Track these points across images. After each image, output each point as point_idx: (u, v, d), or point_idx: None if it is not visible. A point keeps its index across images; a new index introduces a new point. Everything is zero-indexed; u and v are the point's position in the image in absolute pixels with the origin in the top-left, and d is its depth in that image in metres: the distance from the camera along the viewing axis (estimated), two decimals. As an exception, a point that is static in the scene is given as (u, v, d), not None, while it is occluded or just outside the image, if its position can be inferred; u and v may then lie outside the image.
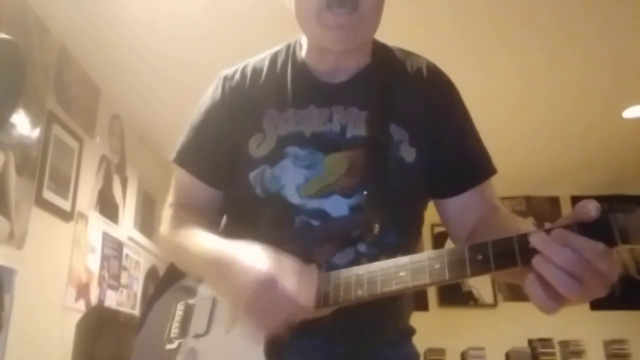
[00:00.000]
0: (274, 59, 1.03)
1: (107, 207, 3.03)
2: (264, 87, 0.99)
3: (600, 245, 0.58)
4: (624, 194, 4.67)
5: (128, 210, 3.35)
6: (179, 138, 1.05)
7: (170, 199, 1.06)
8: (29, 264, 2.16)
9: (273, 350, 0.78)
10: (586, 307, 4.45)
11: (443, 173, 0.95)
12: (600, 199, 0.58)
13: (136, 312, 3.37)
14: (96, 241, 2.86)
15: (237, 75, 1.02)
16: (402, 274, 0.70)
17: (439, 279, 0.68)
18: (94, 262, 2.81)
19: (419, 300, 4.26)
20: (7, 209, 2.06)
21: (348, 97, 0.95)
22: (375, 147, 0.91)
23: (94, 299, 2.77)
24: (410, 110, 0.94)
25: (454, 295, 4.47)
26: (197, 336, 0.89)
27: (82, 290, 2.65)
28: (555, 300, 0.61)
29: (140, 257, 3.52)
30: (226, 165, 0.98)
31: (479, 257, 0.65)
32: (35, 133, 2.28)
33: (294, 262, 0.77)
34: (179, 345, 0.91)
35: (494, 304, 4.47)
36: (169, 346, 0.93)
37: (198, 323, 0.91)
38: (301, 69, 0.99)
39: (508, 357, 4.20)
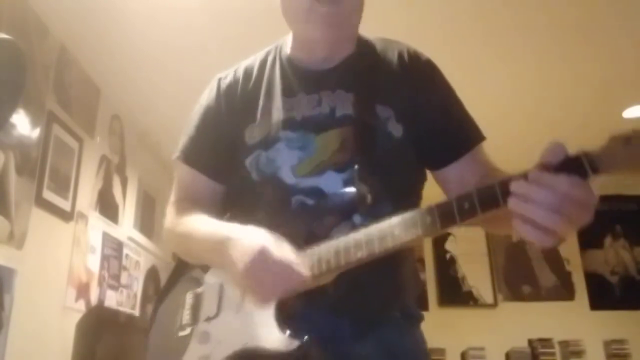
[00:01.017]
0: (264, 58, 1.11)
1: (107, 207, 3.03)
2: (255, 82, 1.07)
3: (573, 178, 0.66)
4: (624, 194, 4.67)
5: (128, 210, 3.35)
6: (181, 137, 1.10)
7: (173, 196, 1.11)
8: (29, 264, 2.16)
9: (283, 322, 0.83)
10: (586, 307, 4.46)
11: (434, 144, 0.99)
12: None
13: (136, 312, 3.37)
14: (96, 241, 2.86)
15: (230, 76, 1.10)
16: (396, 231, 0.77)
17: (432, 230, 0.75)
18: (94, 262, 2.81)
19: (419, 300, 4.26)
20: (7, 209, 2.06)
21: (334, 81, 1.01)
22: (363, 124, 0.97)
23: (94, 299, 2.77)
24: (394, 90, 1.00)
25: (454, 295, 4.48)
26: (208, 319, 0.94)
27: (82, 290, 2.65)
28: (547, 234, 0.67)
29: (140, 257, 3.52)
30: (227, 158, 1.03)
31: (466, 205, 0.72)
32: (35, 133, 2.28)
33: (287, 243, 0.84)
34: (192, 330, 0.95)
35: (494, 304, 4.47)
36: (181, 333, 0.96)
37: (208, 307, 0.95)
38: (289, 62, 1.07)
39: (508, 357, 4.20)
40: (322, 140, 0.96)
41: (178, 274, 1.08)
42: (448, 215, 0.73)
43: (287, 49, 1.08)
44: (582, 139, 0.76)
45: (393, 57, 1.05)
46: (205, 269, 1.01)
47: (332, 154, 0.94)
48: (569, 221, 0.66)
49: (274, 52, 1.10)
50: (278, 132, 0.98)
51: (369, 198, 0.88)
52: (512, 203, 0.68)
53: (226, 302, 0.93)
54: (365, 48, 1.07)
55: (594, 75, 2.95)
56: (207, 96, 1.10)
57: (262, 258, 0.81)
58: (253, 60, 1.11)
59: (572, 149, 0.69)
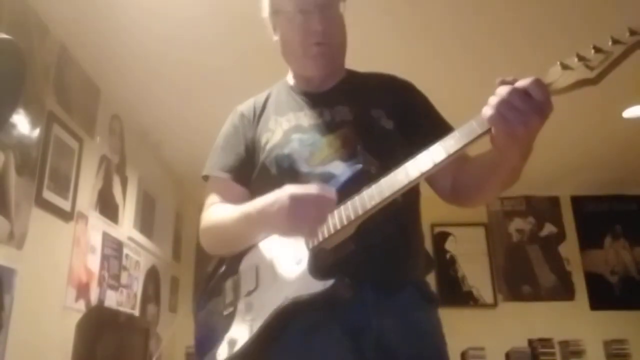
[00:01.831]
0: (269, 91, 1.33)
1: (107, 207, 3.03)
2: (265, 105, 1.30)
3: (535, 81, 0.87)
4: (625, 194, 4.67)
5: (128, 210, 3.35)
6: (211, 157, 1.30)
7: (207, 203, 1.26)
8: (29, 264, 2.16)
9: (316, 275, 0.98)
10: (586, 307, 4.46)
11: (419, 137, 1.11)
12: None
13: (136, 312, 3.37)
14: (96, 241, 2.86)
15: (246, 105, 1.32)
16: (400, 176, 0.95)
17: (431, 169, 0.92)
18: (94, 262, 2.81)
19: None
20: (7, 209, 2.06)
21: (332, 100, 1.23)
22: (361, 123, 1.17)
23: (94, 299, 2.77)
24: (382, 97, 1.23)
25: (454, 295, 4.48)
26: (249, 293, 1.08)
27: (82, 290, 2.65)
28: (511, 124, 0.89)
29: (140, 257, 3.52)
30: (251, 166, 1.23)
31: (451, 141, 0.92)
32: (35, 133, 2.28)
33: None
34: (236, 306, 1.09)
35: (494, 304, 4.48)
36: (226, 311, 1.10)
37: (247, 284, 1.09)
38: (293, 89, 1.30)
39: (508, 357, 4.20)
40: (327, 140, 1.15)
41: (213, 274, 1.22)
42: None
43: (290, 82, 1.32)
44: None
45: (377, 77, 1.30)
46: (237, 263, 1.13)
47: (337, 149, 1.13)
48: (524, 117, 0.87)
49: (278, 86, 1.33)
50: (290, 135, 1.18)
51: (373, 169, 1.05)
52: (487, 109, 0.90)
53: (263, 276, 1.07)
54: (353, 73, 1.32)
55: (594, 75, 2.94)
56: (228, 123, 1.32)
57: (296, 200, 0.97)
58: (263, 94, 1.33)
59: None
